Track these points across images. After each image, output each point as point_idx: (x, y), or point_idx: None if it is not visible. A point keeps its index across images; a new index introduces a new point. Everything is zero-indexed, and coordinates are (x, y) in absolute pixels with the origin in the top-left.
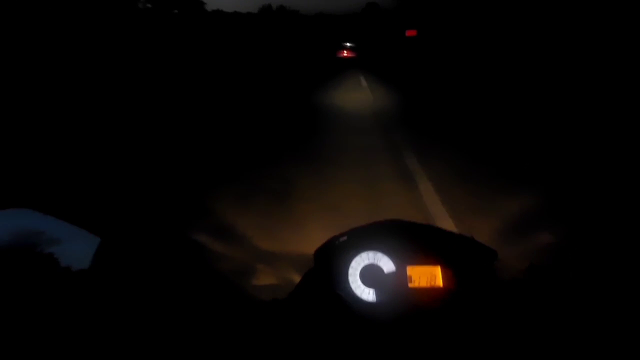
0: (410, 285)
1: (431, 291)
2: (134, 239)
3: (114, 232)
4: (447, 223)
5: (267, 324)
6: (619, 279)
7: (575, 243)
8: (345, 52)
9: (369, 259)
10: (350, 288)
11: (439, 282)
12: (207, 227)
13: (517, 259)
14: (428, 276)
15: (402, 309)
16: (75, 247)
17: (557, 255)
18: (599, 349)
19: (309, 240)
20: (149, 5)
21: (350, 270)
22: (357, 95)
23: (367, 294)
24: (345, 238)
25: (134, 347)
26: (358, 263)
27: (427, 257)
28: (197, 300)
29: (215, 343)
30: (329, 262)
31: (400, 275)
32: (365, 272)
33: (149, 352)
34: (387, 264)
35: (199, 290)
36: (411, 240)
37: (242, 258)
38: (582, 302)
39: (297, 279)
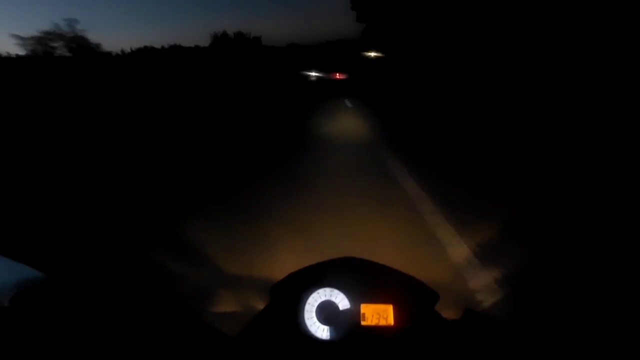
0: (363, 322)
1: (383, 329)
2: (75, 272)
3: (55, 265)
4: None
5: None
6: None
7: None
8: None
9: (325, 295)
10: (306, 325)
11: (391, 320)
12: (171, 246)
13: (455, 300)
14: (381, 314)
15: (355, 347)
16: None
17: (492, 298)
18: None
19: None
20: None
21: (307, 307)
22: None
23: (322, 332)
24: (302, 274)
25: None
26: (315, 299)
27: (380, 295)
28: (143, 329)
29: None
30: (286, 297)
31: (354, 312)
32: (322, 309)
33: None
34: (342, 301)
35: (147, 320)
36: (366, 278)
37: (204, 281)
38: (514, 344)
39: (258, 306)
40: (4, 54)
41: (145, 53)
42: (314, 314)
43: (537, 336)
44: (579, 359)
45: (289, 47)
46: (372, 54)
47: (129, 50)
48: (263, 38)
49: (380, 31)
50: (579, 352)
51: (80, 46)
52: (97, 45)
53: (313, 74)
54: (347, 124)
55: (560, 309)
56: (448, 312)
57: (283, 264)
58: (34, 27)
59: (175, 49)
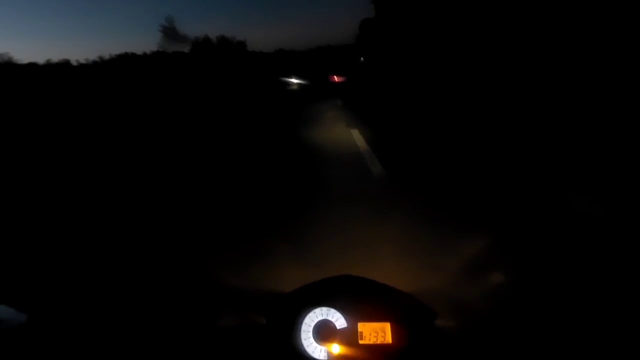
0: (360, 341)
1: (381, 348)
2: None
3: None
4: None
5: None
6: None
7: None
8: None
9: (322, 315)
10: (303, 345)
11: (389, 338)
12: (167, 262)
13: (453, 319)
14: (378, 332)
15: None
16: None
17: (489, 315)
18: None
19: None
20: None
21: (304, 327)
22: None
23: (319, 352)
24: (299, 293)
25: None
26: (312, 319)
27: (377, 313)
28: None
29: None
30: (282, 318)
31: (351, 331)
32: (319, 328)
33: None
34: (339, 320)
35: (156, 328)
36: (362, 296)
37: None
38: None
39: (258, 320)
40: None
41: (126, 60)
42: (310, 334)
43: (536, 345)
44: None
45: (277, 53)
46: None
47: (107, 57)
48: (249, 43)
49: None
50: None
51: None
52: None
53: (294, 80)
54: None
55: (559, 316)
56: (446, 328)
57: None
58: None
59: (159, 55)
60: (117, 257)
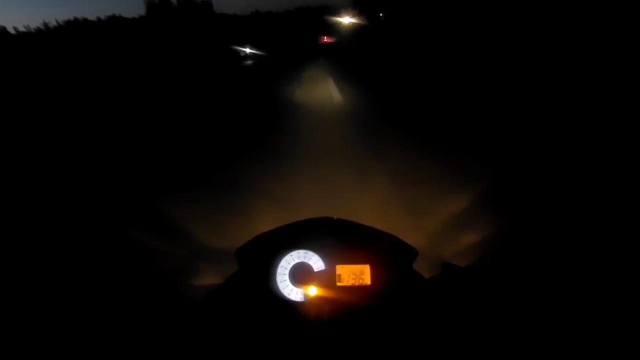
0: (338, 283)
1: (359, 289)
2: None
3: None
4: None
5: (194, 326)
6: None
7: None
8: None
9: (299, 258)
10: (278, 287)
11: (367, 280)
12: (149, 222)
13: (435, 257)
14: (357, 275)
15: (331, 307)
16: None
17: (473, 254)
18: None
19: None
20: None
21: (280, 269)
22: None
23: (295, 294)
24: (274, 235)
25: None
26: (288, 262)
27: (357, 256)
28: (126, 299)
29: (144, 342)
30: (256, 260)
31: (329, 274)
32: (295, 271)
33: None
34: (317, 263)
35: (130, 290)
36: (342, 239)
37: (185, 256)
38: (491, 300)
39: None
40: None
41: (76, 27)
42: (287, 277)
43: (513, 287)
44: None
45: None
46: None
47: (54, 24)
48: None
49: None
50: (555, 305)
51: None
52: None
53: (248, 50)
54: None
55: (539, 268)
56: (426, 270)
57: None
58: None
59: (114, 21)
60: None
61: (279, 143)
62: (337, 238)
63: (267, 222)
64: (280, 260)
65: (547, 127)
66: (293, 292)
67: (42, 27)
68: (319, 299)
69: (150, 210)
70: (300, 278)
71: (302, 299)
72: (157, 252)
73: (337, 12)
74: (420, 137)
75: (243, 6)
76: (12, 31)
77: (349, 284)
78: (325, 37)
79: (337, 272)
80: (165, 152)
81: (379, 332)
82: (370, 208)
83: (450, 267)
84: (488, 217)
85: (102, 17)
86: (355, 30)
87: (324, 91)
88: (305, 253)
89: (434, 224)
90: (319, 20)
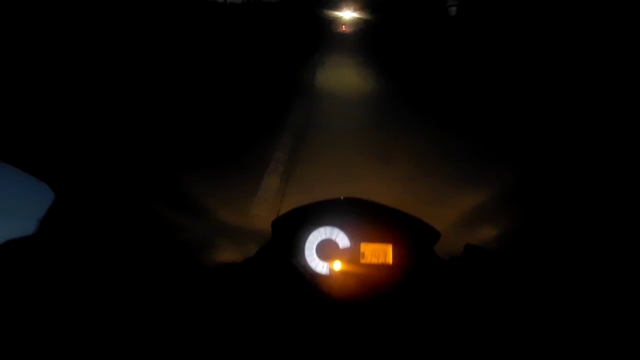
0: (362, 261)
1: (382, 268)
2: (91, 201)
3: (69, 186)
4: None
5: (224, 292)
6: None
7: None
8: None
9: (326, 234)
10: (306, 261)
11: (389, 259)
12: (170, 199)
13: (458, 238)
14: (380, 253)
15: (354, 282)
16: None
17: (497, 238)
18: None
19: None
20: None
21: (307, 244)
22: None
23: (321, 267)
24: (304, 212)
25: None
26: (315, 237)
27: (380, 235)
28: (153, 274)
29: (171, 316)
30: (287, 234)
31: (354, 251)
32: (321, 247)
33: (103, 323)
34: (342, 240)
35: (155, 264)
36: (366, 218)
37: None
38: (514, 283)
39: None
40: None
41: None
42: (314, 252)
43: (537, 269)
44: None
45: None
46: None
47: None
48: None
49: None
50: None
51: None
52: None
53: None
54: None
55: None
56: (449, 252)
57: None
58: None
59: None
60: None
61: (298, 125)
62: (363, 218)
63: (285, 203)
64: (308, 235)
65: (573, 117)
66: (319, 266)
67: None
68: (343, 273)
69: (172, 187)
70: (326, 253)
71: (327, 273)
72: (178, 226)
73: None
74: (444, 123)
75: None
76: None
77: (372, 261)
78: (344, 26)
79: (362, 250)
80: (188, 130)
81: (398, 309)
82: (389, 196)
83: (472, 250)
84: (511, 210)
85: None
86: (380, 10)
87: (345, 75)
88: (332, 230)
89: (453, 214)
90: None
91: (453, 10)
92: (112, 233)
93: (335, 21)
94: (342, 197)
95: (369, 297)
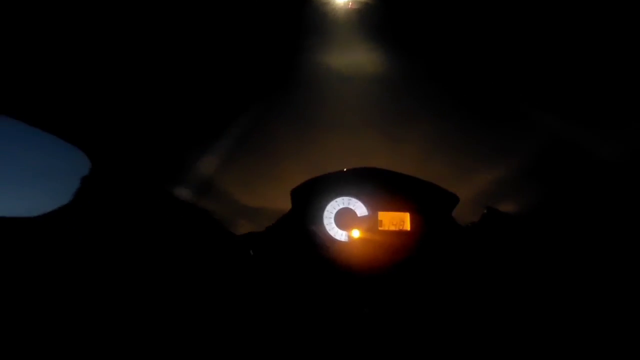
0: (380, 228)
1: (399, 234)
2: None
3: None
4: None
5: (247, 259)
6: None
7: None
8: None
9: (344, 204)
10: (325, 229)
11: (407, 226)
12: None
13: (476, 203)
14: (397, 221)
15: (372, 248)
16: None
17: (515, 203)
18: (547, 293)
19: None
20: None
21: (326, 213)
22: None
23: (340, 235)
24: (322, 182)
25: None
26: (334, 207)
27: (397, 204)
28: (179, 251)
29: (195, 288)
30: (306, 203)
31: (372, 219)
32: (340, 215)
33: (129, 296)
34: (360, 209)
35: (181, 242)
36: (384, 187)
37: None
38: (533, 248)
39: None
40: None
41: None
42: (332, 220)
43: (555, 232)
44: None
45: None
46: None
47: None
48: None
49: None
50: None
51: None
52: None
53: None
54: None
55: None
56: (467, 216)
57: None
58: None
59: None
60: None
61: (309, 107)
62: (380, 187)
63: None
64: (327, 205)
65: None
66: (338, 234)
67: None
68: (361, 241)
69: (187, 168)
70: (345, 222)
71: (346, 240)
72: (195, 206)
73: None
74: (457, 104)
75: None
76: None
77: (390, 229)
78: (350, 2)
79: (379, 218)
80: (201, 113)
81: (415, 274)
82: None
83: (492, 213)
84: (530, 187)
85: None
86: None
87: (356, 52)
88: (349, 200)
89: (470, 190)
90: None
91: None
92: (141, 210)
93: None
94: (358, 167)
95: (388, 263)
